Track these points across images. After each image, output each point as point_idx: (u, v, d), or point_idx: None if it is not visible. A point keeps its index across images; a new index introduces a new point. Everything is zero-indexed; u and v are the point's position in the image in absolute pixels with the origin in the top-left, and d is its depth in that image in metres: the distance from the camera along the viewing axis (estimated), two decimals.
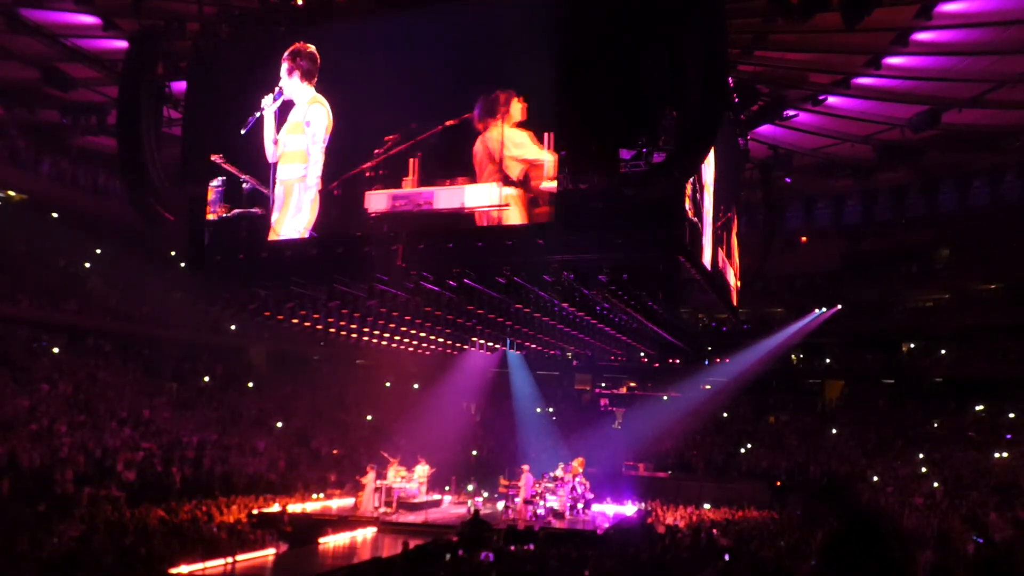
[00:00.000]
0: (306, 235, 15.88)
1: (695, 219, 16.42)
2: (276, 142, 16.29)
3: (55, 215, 32.53)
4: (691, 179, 15.08)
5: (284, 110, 16.29)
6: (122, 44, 18.97)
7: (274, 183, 16.24)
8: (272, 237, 16.15)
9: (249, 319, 23.92)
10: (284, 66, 16.08)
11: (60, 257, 32.80)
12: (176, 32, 16.90)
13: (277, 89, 16.16)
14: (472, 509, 22.76)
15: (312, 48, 15.90)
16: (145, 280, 33.54)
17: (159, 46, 16.64)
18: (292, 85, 16.13)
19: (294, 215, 16.02)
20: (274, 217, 16.17)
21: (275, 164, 16.27)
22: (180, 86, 17.83)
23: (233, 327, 35.18)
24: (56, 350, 29.66)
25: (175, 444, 25.86)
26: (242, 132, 16.24)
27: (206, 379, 33.77)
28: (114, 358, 31.49)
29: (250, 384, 34.93)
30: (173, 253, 28.44)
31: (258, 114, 16.25)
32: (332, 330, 22.50)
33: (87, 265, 33.82)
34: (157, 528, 18.34)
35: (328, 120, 15.81)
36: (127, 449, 24.02)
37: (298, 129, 16.18)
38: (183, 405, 30.09)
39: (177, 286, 33.14)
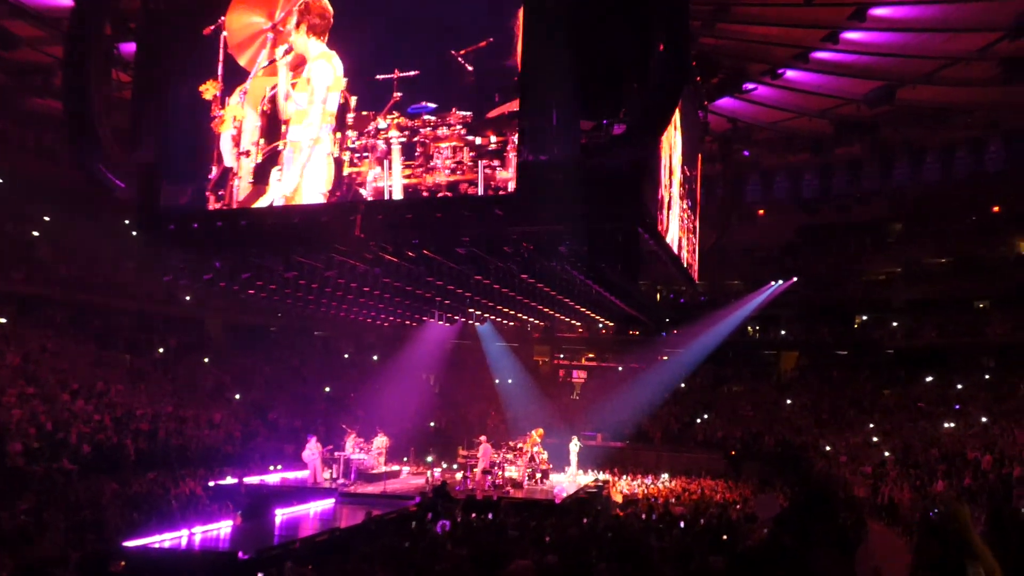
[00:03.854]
0: (318, 200, 15.11)
1: (656, 191, 16.46)
2: (288, 97, 15.65)
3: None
4: (653, 151, 15.09)
5: (296, 67, 15.61)
6: (68, 2, 18.28)
7: (284, 144, 15.58)
8: (279, 202, 15.46)
9: (204, 289, 23.53)
10: (293, 19, 15.53)
11: (6, 223, 31.87)
12: None
13: (288, 44, 15.55)
14: (437, 479, 22.89)
15: (324, 2, 15.24)
16: (97, 248, 32.82)
17: (107, 5, 16.07)
18: (300, 40, 15.47)
19: (303, 178, 15.29)
20: (282, 181, 15.44)
21: (287, 124, 15.62)
22: (130, 48, 17.27)
23: (188, 298, 34.64)
24: (3, 320, 28.93)
25: (129, 416, 25.46)
26: (248, 80, 15.67)
27: (160, 350, 33.24)
28: (65, 328, 30.84)
29: (206, 360, 34.43)
30: (127, 221, 27.79)
31: (265, 63, 15.65)
32: (289, 301, 22.24)
33: (35, 233, 32.94)
34: (111, 501, 18.10)
35: (333, 77, 15.09)
36: (80, 422, 23.60)
37: (303, 87, 15.49)
38: (137, 377, 29.61)
39: (130, 255, 32.51)
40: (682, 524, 15.28)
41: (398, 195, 14.40)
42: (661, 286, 41.60)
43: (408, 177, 14.36)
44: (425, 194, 14.20)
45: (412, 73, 14.31)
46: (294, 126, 15.51)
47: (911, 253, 38.89)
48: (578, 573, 9.17)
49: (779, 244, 41.78)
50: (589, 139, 13.24)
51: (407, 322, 28.39)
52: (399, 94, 14.41)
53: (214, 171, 15.97)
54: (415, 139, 14.33)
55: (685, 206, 22.05)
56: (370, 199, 14.58)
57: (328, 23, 15.28)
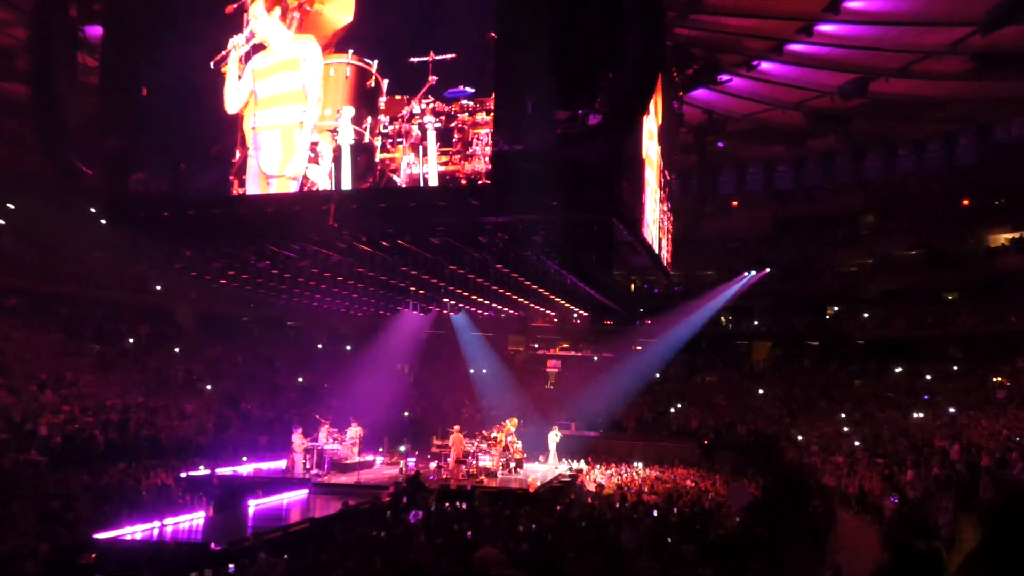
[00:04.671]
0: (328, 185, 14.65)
1: (634, 184, 16.46)
2: (239, 89, 15.18)
3: None
4: (630, 144, 15.09)
5: (252, 53, 15.17)
6: None
7: (254, 130, 15.10)
8: (261, 189, 15.06)
9: (175, 279, 23.24)
10: (259, 4, 15.07)
11: None
12: None
13: (248, 30, 15.06)
14: (411, 469, 22.86)
15: None
16: (65, 237, 32.26)
17: None
18: (271, 24, 15.00)
19: (299, 161, 14.81)
20: (268, 166, 15.01)
21: (254, 110, 15.18)
22: (96, 31, 16.94)
23: (159, 287, 34.21)
24: None
25: (99, 407, 25.15)
26: (211, 65, 15.09)
27: (130, 340, 32.85)
28: (32, 318, 30.32)
29: (176, 349, 34.03)
30: (93, 210, 27.31)
31: (225, 52, 15.13)
32: (263, 291, 22.05)
33: (0, 221, 32.32)
34: (81, 492, 17.88)
35: (321, 57, 14.77)
36: (48, 413, 23.27)
37: (291, 67, 14.97)
38: (106, 367, 29.23)
39: (99, 244, 32.01)
40: (655, 513, 15.35)
41: (434, 182, 13.90)
42: (635, 276, 41.69)
43: (445, 164, 13.87)
44: (463, 182, 13.74)
45: (448, 56, 13.80)
46: (274, 109, 15.13)
47: (883, 245, 39.29)
48: (551, 562, 9.17)
49: (753, 235, 42.03)
50: (564, 129, 13.20)
51: (381, 312, 28.27)
52: (434, 78, 13.88)
53: (238, 155, 15.41)
54: (452, 124, 13.87)
55: (665, 208, 22.12)
56: (404, 186, 14.12)
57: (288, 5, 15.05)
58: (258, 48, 15.26)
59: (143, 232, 17.01)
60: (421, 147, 13.98)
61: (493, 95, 13.64)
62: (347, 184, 14.42)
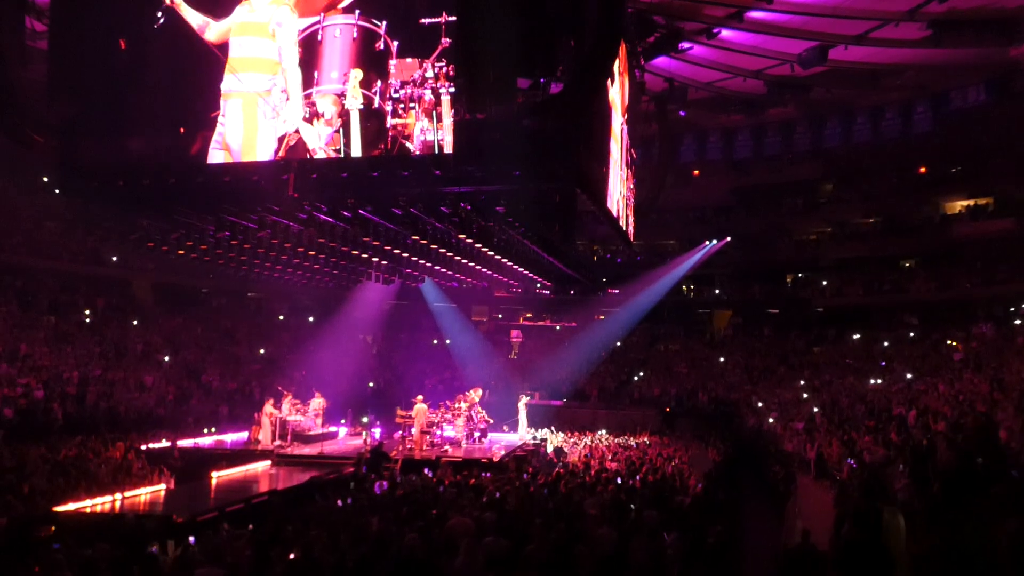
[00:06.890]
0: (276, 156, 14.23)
1: (598, 153, 16.42)
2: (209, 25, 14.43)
3: None
4: (592, 111, 15.01)
5: (227, 6, 14.44)
6: None
7: (222, 96, 14.43)
8: (222, 159, 14.48)
9: (132, 249, 22.81)
10: None
11: None
12: None
13: None
14: (375, 439, 22.84)
15: None
16: (16, 207, 31.49)
17: None
18: None
19: (261, 133, 14.33)
20: (229, 135, 14.41)
21: (224, 71, 14.45)
22: None
23: (115, 258, 33.62)
24: None
25: (55, 380, 24.75)
26: (155, 27, 14.42)
27: (87, 312, 32.27)
28: None
29: (135, 321, 33.49)
30: (46, 179, 26.69)
31: None
32: (222, 262, 21.73)
33: None
34: (39, 466, 17.62)
35: (296, 32, 14.20)
36: (3, 385, 22.86)
37: (262, 32, 14.34)
38: (63, 339, 28.71)
39: (52, 214, 31.40)
40: (618, 480, 15.53)
41: (449, 149, 13.33)
42: (598, 246, 41.88)
43: None
44: None
45: None
46: (243, 75, 14.49)
47: (841, 213, 39.81)
48: (515, 529, 9.26)
49: (713, 204, 42.37)
50: (526, 97, 13.09)
51: (344, 283, 28.05)
52: (447, 40, 13.25)
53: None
54: None
55: (630, 185, 22.13)
56: (418, 153, 13.58)
57: None
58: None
59: (97, 202, 16.62)
60: (435, 112, 13.39)
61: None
62: (356, 151, 13.80)
